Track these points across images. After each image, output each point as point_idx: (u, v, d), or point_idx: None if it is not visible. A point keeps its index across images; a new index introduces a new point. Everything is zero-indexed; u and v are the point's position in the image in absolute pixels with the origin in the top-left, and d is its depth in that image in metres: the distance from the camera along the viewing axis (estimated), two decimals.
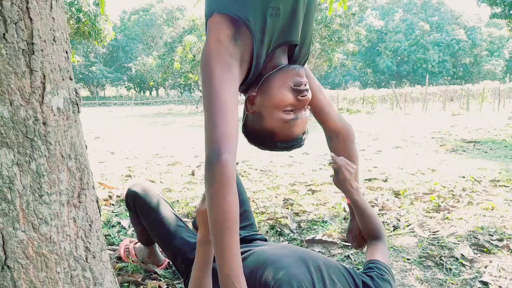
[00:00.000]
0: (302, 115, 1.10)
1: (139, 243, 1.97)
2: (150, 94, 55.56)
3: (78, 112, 0.68)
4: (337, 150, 1.46)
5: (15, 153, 0.57)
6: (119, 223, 2.44)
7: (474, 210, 2.35)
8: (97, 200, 0.72)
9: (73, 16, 9.80)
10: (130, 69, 44.79)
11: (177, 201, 2.94)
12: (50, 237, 0.61)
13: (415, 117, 13.17)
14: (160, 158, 5.20)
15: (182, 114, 21.49)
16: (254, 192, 3.13)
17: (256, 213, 2.56)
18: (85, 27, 9.82)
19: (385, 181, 3.42)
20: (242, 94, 1.21)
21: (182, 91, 49.39)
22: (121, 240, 2.18)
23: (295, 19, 1.12)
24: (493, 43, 47.14)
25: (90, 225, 0.69)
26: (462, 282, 1.51)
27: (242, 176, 3.73)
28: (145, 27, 48.06)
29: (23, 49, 0.57)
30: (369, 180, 3.46)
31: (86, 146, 0.71)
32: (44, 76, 0.59)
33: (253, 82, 1.13)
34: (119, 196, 2.97)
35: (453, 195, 2.77)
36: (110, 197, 3.02)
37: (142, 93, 54.27)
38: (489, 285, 1.47)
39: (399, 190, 2.98)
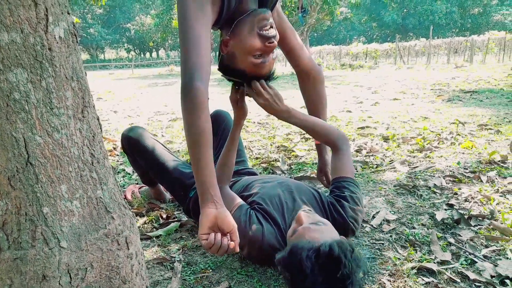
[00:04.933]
0: (269, 58, 1.24)
1: (144, 187, 2.17)
2: (151, 55, 54.72)
3: (77, 42, 0.81)
4: (307, 90, 1.60)
5: (28, 73, 0.72)
6: (123, 170, 2.64)
7: (454, 149, 2.50)
8: (97, 118, 0.87)
9: None
10: (129, 30, 43.79)
11: (178, 151, 3.12)
12: (61, 143, 0.77)
13: (418, 71, 13.03)
14: (161, 115, 5.34)
15: None
16: (250, 141, 3.29)
17: (251, 159, 2.74)
18: None
19: (377, 128, 3.56)
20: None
21: None
22: (126, 184, 2.37)
23: None
24: None
25: (93, 136, 0.84)
26: (430, 205, 1.68)
27: None
28: None
29: None
30: (362, 128, 3.60)
31: (85, 73, 0.85)
32: (46, 9, 0.72)
33: (226, 24, 1.24)
34: None
35: (439, 138, 2.91)
36: (114, 148, 3.21)
37: (142, 55, 53.45)
38: (454, 206, 1.64)
39: (388, 136, 3.12)
